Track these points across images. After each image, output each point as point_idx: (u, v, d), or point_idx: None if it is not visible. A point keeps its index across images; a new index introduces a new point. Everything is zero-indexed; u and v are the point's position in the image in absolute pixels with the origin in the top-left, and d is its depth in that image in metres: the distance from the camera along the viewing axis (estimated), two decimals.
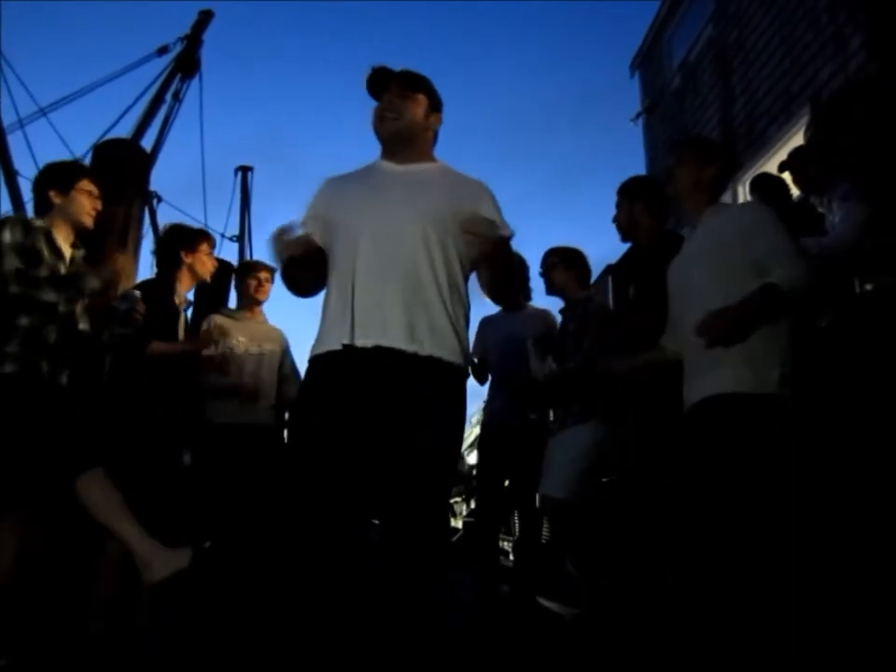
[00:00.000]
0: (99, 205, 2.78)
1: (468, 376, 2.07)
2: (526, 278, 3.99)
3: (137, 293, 2.95)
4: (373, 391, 1.88)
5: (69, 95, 7.92)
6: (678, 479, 2.45)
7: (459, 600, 3.69)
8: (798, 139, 4.90)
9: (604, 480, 3.17)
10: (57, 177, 2.71)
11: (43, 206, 2.67)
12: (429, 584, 1.94)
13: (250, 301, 3.86)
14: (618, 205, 2.99)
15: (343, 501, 1.89)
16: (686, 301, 2.26)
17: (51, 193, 2.65)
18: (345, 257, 1.98)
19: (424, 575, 1.93)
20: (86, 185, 2.72)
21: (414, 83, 2.09)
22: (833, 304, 2.26)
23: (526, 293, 3.99)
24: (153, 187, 7.74)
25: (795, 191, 3.29)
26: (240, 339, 3.67)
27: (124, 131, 7.53)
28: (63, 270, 2.59)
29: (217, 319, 3.77)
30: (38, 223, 2.61)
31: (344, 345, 1.90)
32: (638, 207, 2.91)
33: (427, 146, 2.13)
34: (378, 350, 1.88)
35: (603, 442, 3.07)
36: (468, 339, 2.06)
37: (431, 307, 1.93)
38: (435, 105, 2.12)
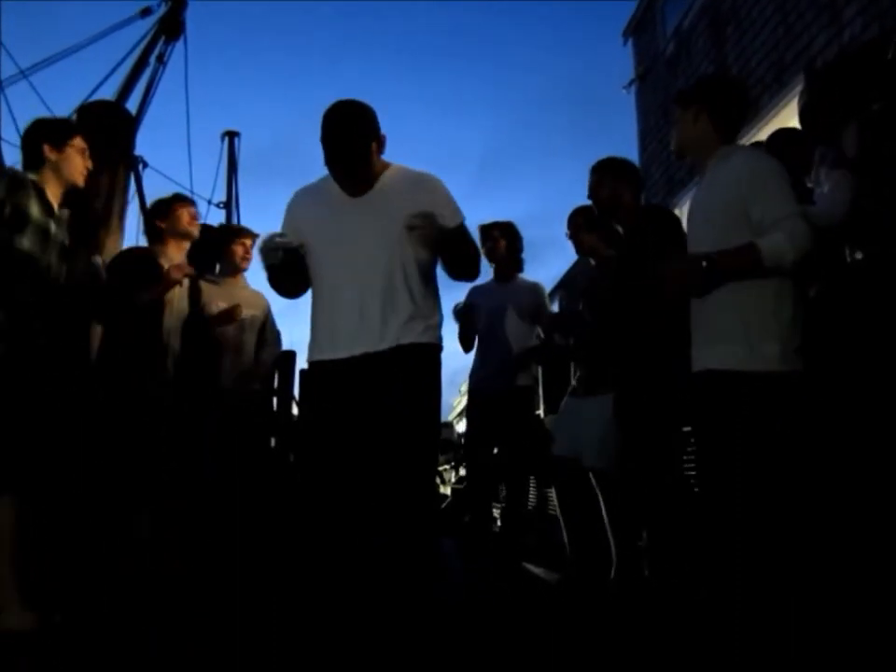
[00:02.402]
0: (90, 165, 2.70)
1: (441, 349, 2.37)
2: (518, 249, 4.01)
3: (99, 260, 3.00)
4: (363, 389, 2.22)
5: (51, 57, 7.74)
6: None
7: (447, 568, 3.73)
8: (791, 108, 4.87)
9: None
10: (51, 132, 2.62)
11: (35, 161, 2.58)
12: (423, 557, 2.03)
13: (234, 268, 3.81)
14: (599, 182, 3.03)
15: (350, 495, 2.18)
16: None
17: (45, 148, 2.56)
18: (323, 276, 2.32)
19: (417, 548, 2.02)
20: (79, 142, 2.64)
21: (368, 137, 2.22)
22: (823, 274, 2.25)
23: (518, 265, 4.01)
24: (139, 151, 7.61)
25: None
26: (220, 305, 3.64)
27: (108, 94, 7.38)
28: (53, 228, 2.52)
29: (203, 285, 3.74)
30: (31, 176, 2.52)
31: (331, 359, 2.27)
32: (623, 186, 2.98)
33: (378, 163, 2.31)
34: (365, 356, 2.22)
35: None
36: (439, 319, 2.38)
37: (406, 307, 2.25)
38: (380, 138, 2.28)
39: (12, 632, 2.23)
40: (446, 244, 2.27)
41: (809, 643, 1.90)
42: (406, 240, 2.22)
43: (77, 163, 2.63)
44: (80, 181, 2.67)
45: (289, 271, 2.36)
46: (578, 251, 3.50)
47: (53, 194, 2.58)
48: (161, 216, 3.40)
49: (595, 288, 3.33)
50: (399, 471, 2.16)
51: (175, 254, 3.35)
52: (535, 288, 4.00)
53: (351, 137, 2.19)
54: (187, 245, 3.42)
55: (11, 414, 2.34)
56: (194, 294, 3.64)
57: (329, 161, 2.22)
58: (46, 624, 2.30)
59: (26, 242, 2.43)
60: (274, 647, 1.95)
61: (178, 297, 3.31)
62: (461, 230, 2.34)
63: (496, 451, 3.94)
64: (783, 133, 2.84)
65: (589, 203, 3.17)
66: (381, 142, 2.28)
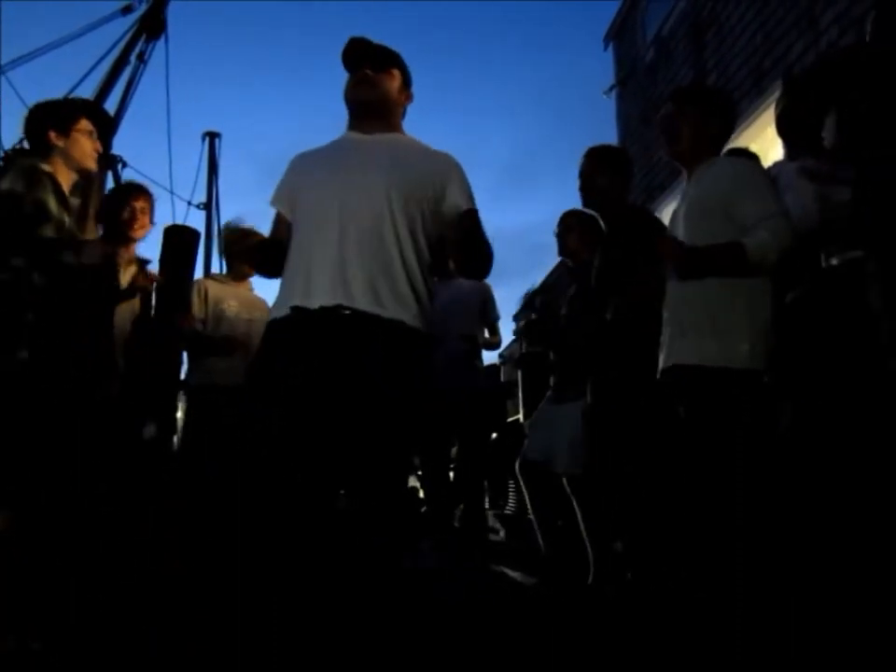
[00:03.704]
0: (100, 147, 2.59)
1: (432, 343, 2.07)
2: None
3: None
4: (334, 350, 1.85)
5: (29, 53, 7.68)
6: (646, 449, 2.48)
7: (422, 569, 3.72)
8: (769, 115, 4.90)
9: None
10: (57, 117, 2.50)
11: (42, 149, 2.46)
12: (397, 554, 1.94)
13: (242, 272, 3.76)
14: (588, 173, 3.00)
15: (312, 469, 1.85)
16: None
17: (52, 134, 2.45)
18: (309, 221, 1.99)
19: (390, 545, 1.92)
20: (86, 125, 2.53)
21: (390, 58, 2.10)
22: (803, 279, 2.27)
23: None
24: (118, 151, 7.55)
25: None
26: (231, 303, 3.62)
27: (87, 93, 7.32)
28: (67, 221, 2.40)
29: (207, 284, 3.71)
30: (45, 167, 2.40)
31: (302, 307, 1.88)
32: (607, 178, 2.94)
33: (397, 120, 2.15)
34: (340, 309, 1.85)
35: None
36: (431, 308, 2.06)
37: (394, 272, 1.91)
38: (407, 81, 2.15)
39: None
40: (455, 231, 2.01)
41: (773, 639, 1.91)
42: (411, 198, 1.96)
43: (85, 147, 2.52)
44: (92, 165, 2.57)
45: (271, 249, 2.10)
46: (560, 251, 3.50)
47: (64, 183, 2.48)
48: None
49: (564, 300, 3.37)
50: (373, 460, 1.85)
51: (126, 253, 3.18)
52: (479, 285, 4.00)
53: (373, 45, 2.09)
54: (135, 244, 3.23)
55: (24, 424, 2.25)
56: (201, 294, 3.60)
57: (346, 58, 2.08)
58: (24, 651, 2.23)
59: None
60: (275, 647, 1.91)
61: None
62: (473, 217, 2.04)
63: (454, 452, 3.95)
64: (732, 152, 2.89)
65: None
66: (407, 88, 2.15)
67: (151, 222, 3.25)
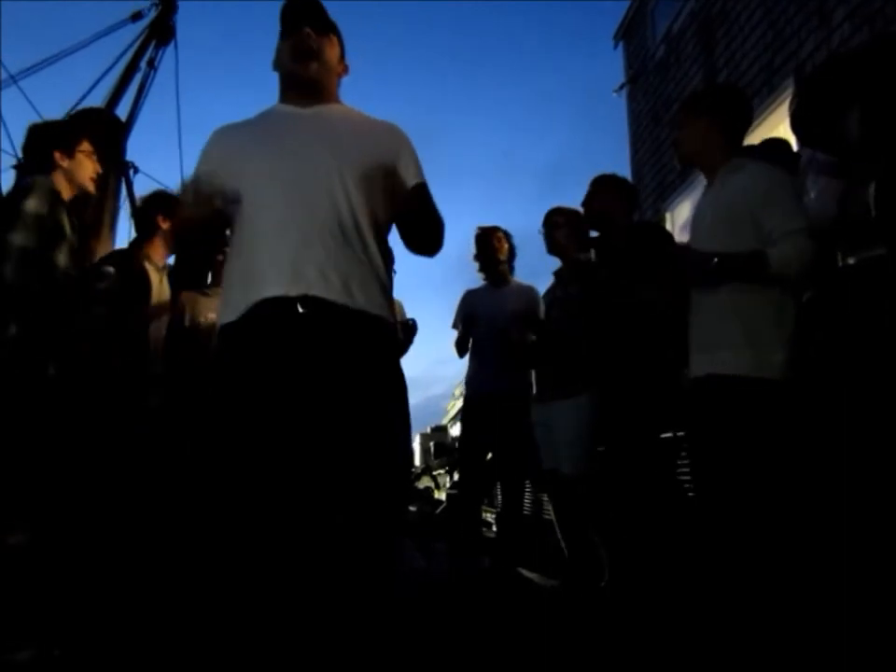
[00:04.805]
0: (100, 168, 2.63)
1: (396, 334, 1.89)
2: (514, 255, 4.03)
3: (111, 269, 2.89)
4: (301, 352, 1.64)
5: (40, 62, 7.72)
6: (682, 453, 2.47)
7: (439, 571, 3.73)
8: (781, 112, 4.88)
9: (599, 449, 3.14)
10: (61, 137, 2.54)
11: (46, 168, 2.49)
12: (390, 554, 1.85)
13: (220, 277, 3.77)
14: (593, 194, 3.16)
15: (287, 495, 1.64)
16: None
17: (56, 155, 2.49)
18: (250, 210, 1.75)
19: (385, 546, 1.79)
20: (87, 146, 2.58)
21: (330, 24, 1.93)
22: (815, 279, 2.26)
23: (512, 270, 4.03)
24: (130, 157, 7.59)
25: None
26: (208, 316, 3.61)
27: (98, 99, 7.36)
28: (74, 241, 2.45)
29: (185, 298, 3.72)
30: (56, 187, 2.45)
31: (259, 303, 1.65)
32: (616, 204, 3.10)
33: (335, 90, 1.97)
34: (305, 301, 1.64)
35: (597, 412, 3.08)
36: (392, 295, 1.91)
37: (357, 260, 1.73)
38: (343, 52, 1.99)
39: None
40: (406, 205, 1.84)
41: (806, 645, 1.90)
42: (364, 175, 1.77)
43: (88, 169, 2.57)
44: (92, 187, 2.60)
45: (212, 230, 1.89)
46: (548, 249, 3.51)
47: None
48: (165, 212, 3.10)
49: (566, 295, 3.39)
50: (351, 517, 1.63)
51: (159, 258, 3.20)
52: (529, 292, 4.01)
53: (318, 6, 1.91)
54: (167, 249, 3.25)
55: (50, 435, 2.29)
56: (179, 305, 3.60)
57: (285, 16, 1.89)
58: (45, 657, 2.23)
59: (62, 258, 2.37)
60: (273, 647, 1.90)
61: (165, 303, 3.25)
62: (423, 191, 1.89)
63: (489, 455, 3.94)
64: (770, 143, 2.88)
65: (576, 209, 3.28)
66: (343, 59, 1.98)
67: None
